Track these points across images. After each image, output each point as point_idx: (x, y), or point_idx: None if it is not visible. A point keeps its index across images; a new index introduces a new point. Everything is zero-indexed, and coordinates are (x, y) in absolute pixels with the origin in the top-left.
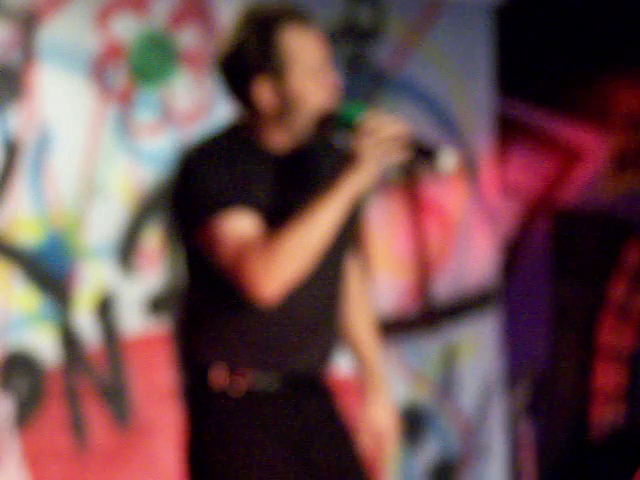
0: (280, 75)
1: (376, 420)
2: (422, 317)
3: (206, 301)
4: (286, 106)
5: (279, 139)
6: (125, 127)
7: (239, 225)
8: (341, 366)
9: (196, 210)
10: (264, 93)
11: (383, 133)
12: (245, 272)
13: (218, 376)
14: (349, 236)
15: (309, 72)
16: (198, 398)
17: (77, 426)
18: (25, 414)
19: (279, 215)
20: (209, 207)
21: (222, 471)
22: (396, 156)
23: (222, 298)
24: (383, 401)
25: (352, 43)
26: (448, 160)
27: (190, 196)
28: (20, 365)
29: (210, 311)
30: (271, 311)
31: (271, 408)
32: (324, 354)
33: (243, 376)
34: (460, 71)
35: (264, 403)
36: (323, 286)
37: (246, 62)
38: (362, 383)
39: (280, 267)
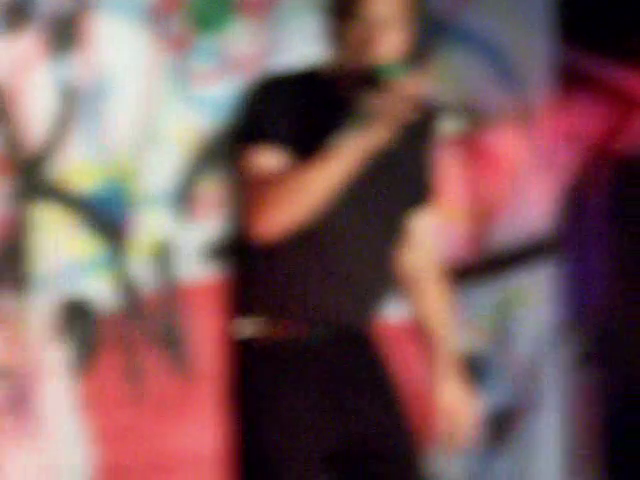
0: (343, 20)
1: (445, 399)
2: (480, 265)
3: (251, 246)
4: (337, 49)
5: (344, 86)
6: (182, 74)
7: (265, 160)
8: (392, 313)
9: (238, 135)
10: (337, 36)
11: (395, 94)
12: (250, 205)
13: (253, 324)
14: (409, 192)
15: (367, 24)
16: (236, 346)
17: (134, 373)
18: (82, 362)
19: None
20: (248, 134)
21: (256, 417)
22: (407, 117)
23: (265, 245)
24: (452, 381)
25: None
26: (453, 123)
27: (239, 120)
28: (78, 313)
29: (249, 260)
30: (311, 261)
31: (306, 358)
32: (367, 307)
33: (279, 326)
34: (520, 19)
35: (299, 353)
36: (370, 239)
37: (329, 3)
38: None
39: (278, 208)
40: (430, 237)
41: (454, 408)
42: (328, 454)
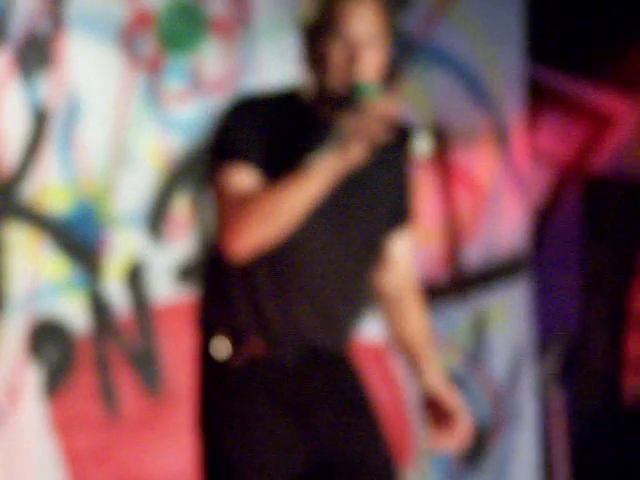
0: (323, 39)
1: (453, 404)
2: (452, 284)
3: (219, 266)
4: (314, 70)
5: (320, 107)
6: (154, 95)
7: (238, 179)
8: (368, 332)
9: (213, 153)
10: (315, 55)
11: (370, 114)
12: (223, 224)
13: (221, 344)
14: (384, 212)
15: (349, 43)
16: (203, 365)
17: (107, 394)
18: (55, 383)
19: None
20: (221, 153)
21: (227, 437)
22: (380, 138)
23: (235, 265)
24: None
25: None
26: (423, 144)
27: (214, 139)
28: (50, 333)
29: (221, 277)
30: (283, 281)
31: (278, 378)
32: (340, 327)
33: (247, 346)
34: (490, 38)
35: (271, 373)
36: (343, 260)
37: (306, 23)
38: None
39: (251, 227)
40: (409, 258)
41: (461, 412)
42: (300, 474)
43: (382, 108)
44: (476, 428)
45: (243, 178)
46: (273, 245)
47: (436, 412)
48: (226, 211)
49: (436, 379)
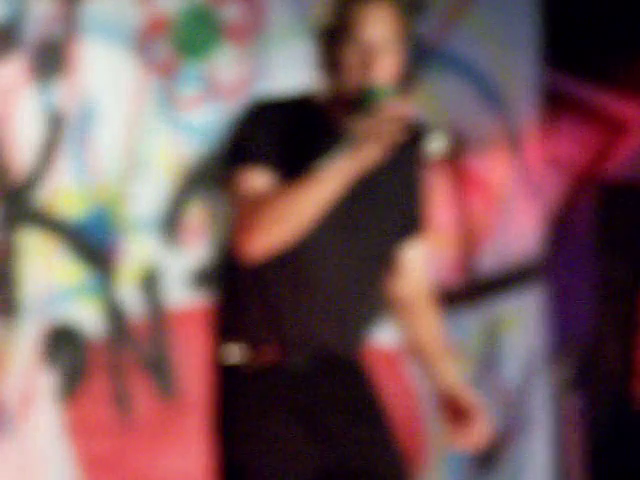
0: (338, 43)
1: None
2: (466, 290)
3: (234, 272)
4: (328, 74)
5: (334, 111)
6: (169, 100)
7: (253, 181)
8: (381, 338)
9: (228, 156)
10: (330, 60)
11: (384, 116)
12: (238, 225)
13: (235, 350)
14: (398, 217)
15: (364, 47)
16: (217, 371)
17: (121, 400)
18: (69, 388)
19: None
20: (236, 156)
21: (239, 443)
22: (394, 139)
23: (249, 270)
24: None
25: None
26: (438, 144)
27: (229, 142)
28: (64, 339)
29: (236, 283)
30: (295, 286)
31: (290, 383)
32: (351, 332)
33: (261, 351)
34: (506, 44)
35: (283, 378)
36: (355, 264)
37: (321, 28)
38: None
39: (265, 228)
40: (422, 264)
41: (479, 409)
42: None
43: (396, 110)
44: (490, 434)
45: (258, 180)
46: (286, 247)
47: (454, 410)
48: (242, 213)
49: (452, 378)
